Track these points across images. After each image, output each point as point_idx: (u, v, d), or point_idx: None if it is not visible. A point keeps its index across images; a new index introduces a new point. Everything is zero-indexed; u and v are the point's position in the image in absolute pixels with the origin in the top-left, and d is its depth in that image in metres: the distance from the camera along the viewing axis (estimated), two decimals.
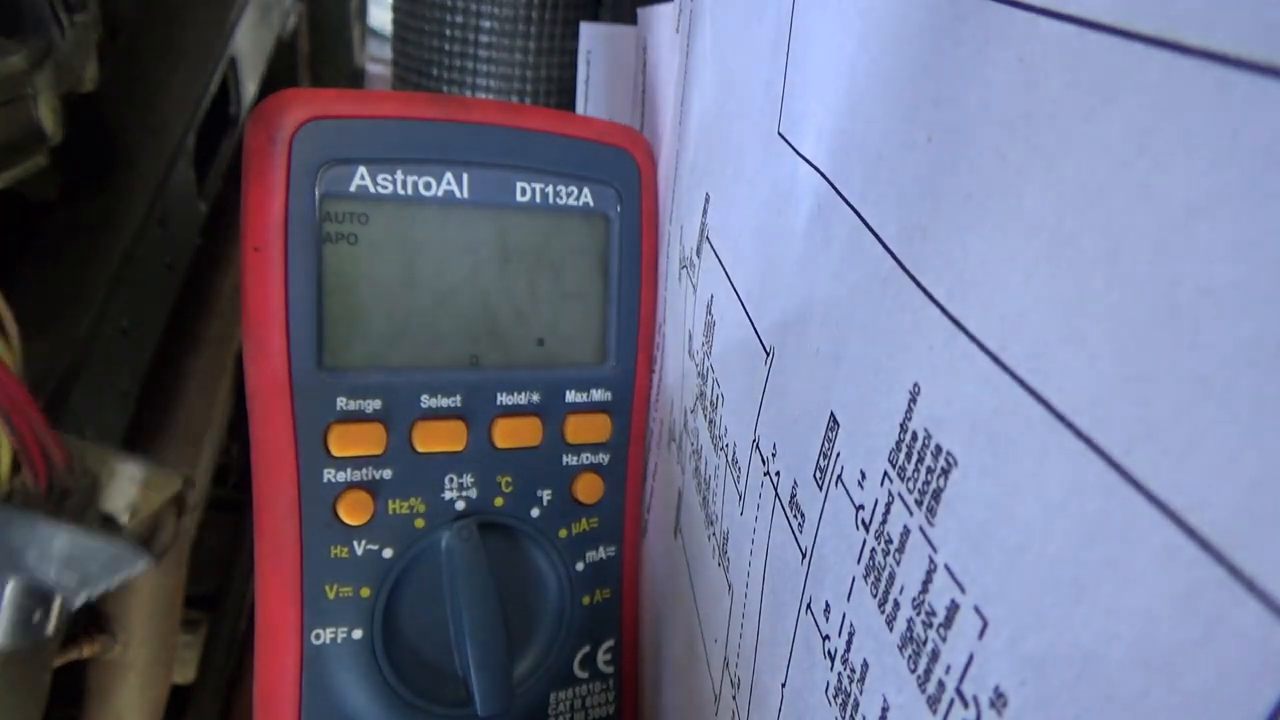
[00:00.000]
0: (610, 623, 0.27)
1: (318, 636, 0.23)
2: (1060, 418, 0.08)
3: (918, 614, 0.10)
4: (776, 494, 0.16)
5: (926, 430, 0.10)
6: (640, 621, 0.28)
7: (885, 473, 0.11)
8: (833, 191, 0.13)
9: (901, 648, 0.11)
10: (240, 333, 0.22)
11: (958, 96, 0.10)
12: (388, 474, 0.23)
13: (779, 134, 0.16)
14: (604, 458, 0.26)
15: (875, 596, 0.12)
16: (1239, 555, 0.06)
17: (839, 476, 0.13)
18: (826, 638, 0.13)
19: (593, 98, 0.31)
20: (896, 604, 0.11)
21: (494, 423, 0.24)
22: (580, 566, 0.26)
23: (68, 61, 0.31)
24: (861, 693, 0.12)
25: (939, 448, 0.10)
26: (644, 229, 0.25)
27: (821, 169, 0.14)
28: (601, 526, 0.26)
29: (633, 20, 0.30)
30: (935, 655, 0.10)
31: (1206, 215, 0.07)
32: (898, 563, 0.11)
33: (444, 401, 0.23)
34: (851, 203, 0.13)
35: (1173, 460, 0.07)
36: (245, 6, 0.49)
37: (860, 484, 0.12)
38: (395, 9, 0.35)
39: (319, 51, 0.72)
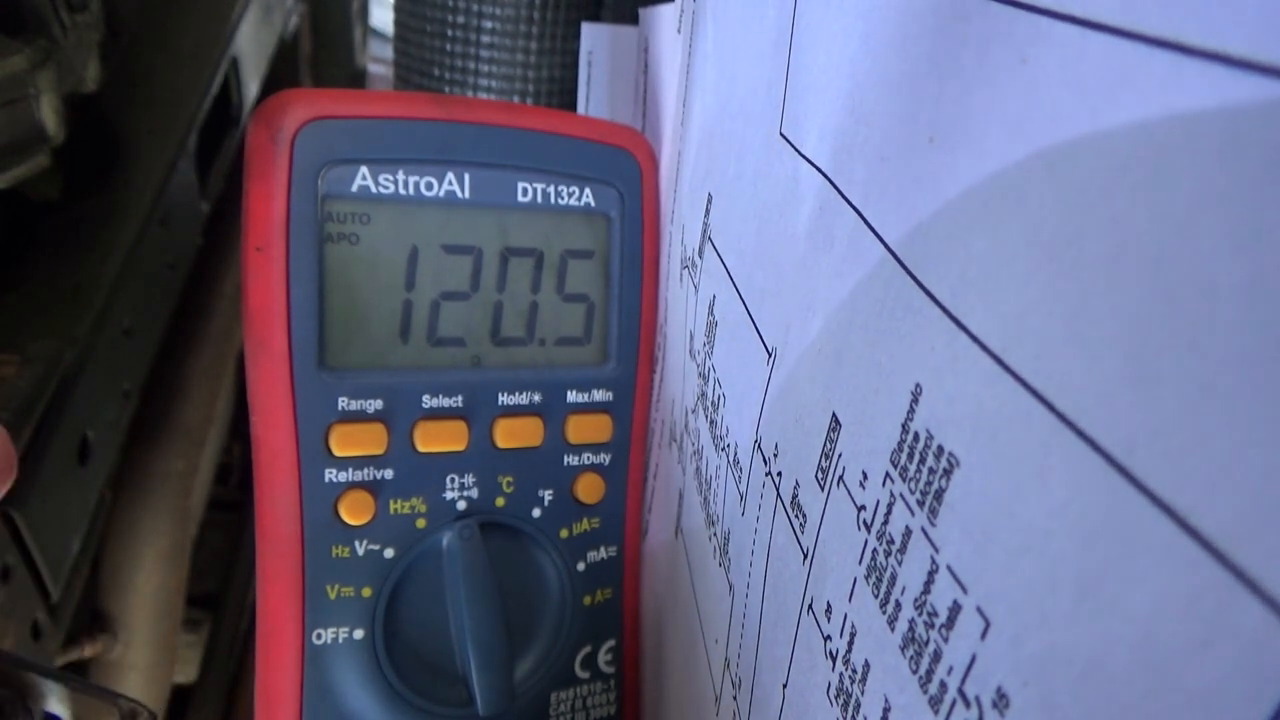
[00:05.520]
0: (611, 623, 0.27)
1: (319, 636, 0.23)
2: (1062, 418, 0.08)
3: (919, 614, 0.10)
4: (778, 494, 0.16)
5: (928, 431, 0.10)
6: (641, 622, 0.28)
7: (887, 473, 0.11)
8: (835, 192, 0.13)
9: (903, 648, 0.11)
10: (242, 332, 0.22)
11: (960, 97, 0.10)
12: (389, 474, 0.23)
13: (781, 134, 0.16)
14: (605, 458, 0.26)
15: (877, 597, 0.12)
16: (1241, 557, 0.06)
17: (841, 477, 0.13)
18: (828, 638, 0.13)
19: (594, 98, 0.31)
20: (898, 604, 0.11)
21: (495, 423, 0.24)
22: (581, 567, 0.26)
23: (70, 62, 0.31)
24: (863, 693, 0.12)
25: (941, 448, 0.10)
26: (645, 229, 0.25)
27: (823, 169, 0.14)
28: (602, 527, 0.26)
29: (634, 21, 0.30)
30: (937, 656, 0.10)
31: (1209, 215, 0.07)
32: (899, 563, 0.11)
33: (445, 401, 0.23)
34: (853, 203, 0.13)
35: (1175, 461, 0.07)
36: (247, 7, 0.49)
37: (862, 484, 0.12)
38: (397, 9, 0.35)
39: (321, 52, 0.72)
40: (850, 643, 0.12)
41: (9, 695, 0.18)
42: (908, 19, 0.11)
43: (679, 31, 0.25)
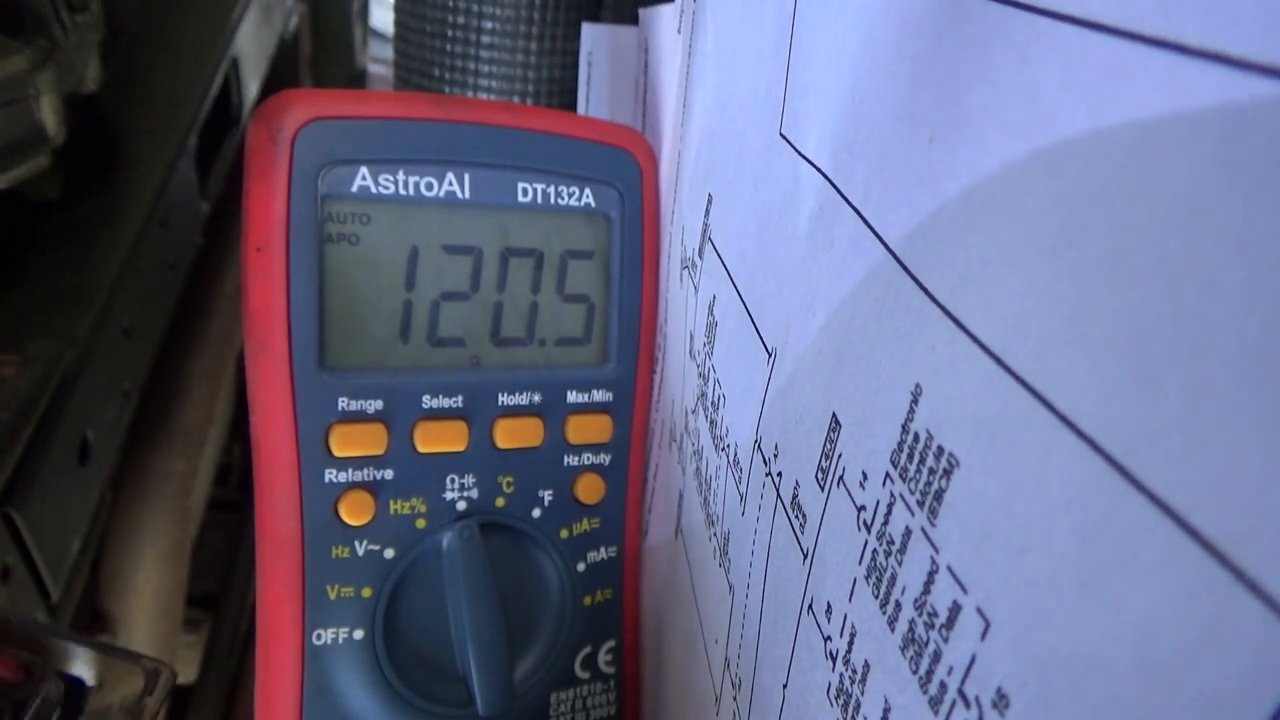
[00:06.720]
0: (611, 623, 0.27)
1: (319, 637, 0.23)
2: (1062, 419, 0.08)
3: (920, 615, 0.10)
4: (778, 495, 0.16)
5: (928, 431, 0.10)
6: (641, 622, 0.28)
7: (887, 473, 0.11)
8: (835, 192, 0.13)
9: (903, 648, 0.11)
10: (242, 332, 0.22)
11: (960, 97, 0.10)
12: (389, 474, 0.23)
13: (781, 134, 0.16)
14: (605, 458, 0.26)
15: (877, 597, 0.12)
16: (1242, 557, 0.06)
17: (841, 477, 0.13)
18: (828, 639, 0.13)
19: (594, 98, 0.31)
20: (898, 605, 0.11)
21: (495, 423, 0.24)
22: (581, 567, 0.26)
23: (70, 62, 0.31)
24: (863, 694, 0.12)
25: (941, 448, 0.10)
26: (645, 229, 0.25)
27: (823, 169, 0.14)
28: (603, 527, 0.26)
29: (634, 21, 0.30)
30: (937, 656, 0.10)
31: (1209, 216, 0.07)
32: (899, 563, 0.11)
33: (445, 402, 0.23)
34: (853, 203, 0.13)
35: (1176, 462, 0.07)
36: (247, 7, 0.49)
37: (862, 485, 0.12)
38: (397, 9, 0.35)
39: (321, 52, 0.72)
40: (850, 643, 0.12)
41: (37, 660, 0.19)
42: (908, 19, 0.11)
43: (679, 31, 0.25)
